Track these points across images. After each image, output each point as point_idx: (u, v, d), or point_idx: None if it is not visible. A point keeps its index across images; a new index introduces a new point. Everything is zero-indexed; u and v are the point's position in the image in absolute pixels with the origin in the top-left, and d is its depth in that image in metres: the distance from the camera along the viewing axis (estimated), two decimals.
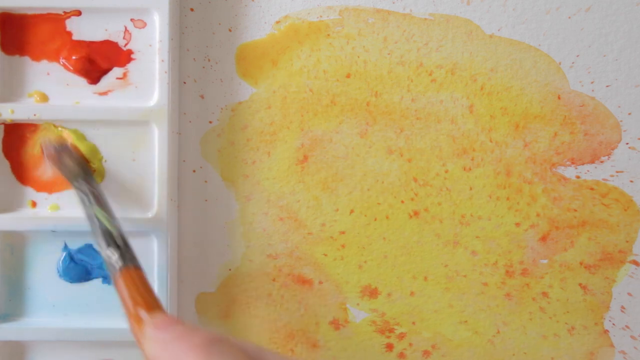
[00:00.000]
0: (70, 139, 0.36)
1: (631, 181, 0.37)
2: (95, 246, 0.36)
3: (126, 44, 0.36)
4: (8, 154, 0.37)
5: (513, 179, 0.37)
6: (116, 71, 0.36)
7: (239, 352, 0.24)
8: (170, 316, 0.27)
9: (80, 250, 0.37)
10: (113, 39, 0.36)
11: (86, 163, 0.36)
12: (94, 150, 0.36)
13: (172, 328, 0.26)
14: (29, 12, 0.36)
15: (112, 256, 0.30)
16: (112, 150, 0.36)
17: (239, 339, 0.26)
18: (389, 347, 0.39)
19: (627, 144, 0.37)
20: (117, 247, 0.30)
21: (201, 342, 0.24)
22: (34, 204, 0.37)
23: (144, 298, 0.28)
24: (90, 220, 0.32)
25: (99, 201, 0.32)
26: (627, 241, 0.37)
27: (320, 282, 0.38)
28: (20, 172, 0.37)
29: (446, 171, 0.37)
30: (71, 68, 0.36)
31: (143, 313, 0.27)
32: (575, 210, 0.37)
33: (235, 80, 0.37)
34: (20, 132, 0.36)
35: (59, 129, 0.36)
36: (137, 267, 0.30)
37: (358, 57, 0.37)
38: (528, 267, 0.38)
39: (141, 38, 0.36)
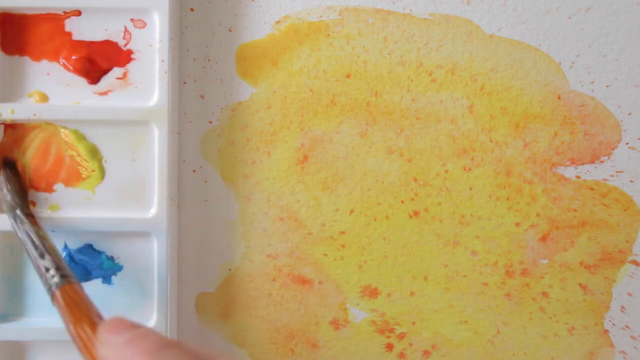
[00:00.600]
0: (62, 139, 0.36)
1: (631, 181, 0.37)
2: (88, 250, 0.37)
3: (126, 44, 0.36)
4: (8, 154, 0.37)
5: (513, 179, 0.37)
6: (116, 71, 0.36)
7: (189, 357, 0.24)
8: (126, 320, 0.28)
9: (80, 250, 0.37)
10: (113, 39, 0.36)
11: (23, 188, 0.36)
12: (94, 150, 0.36)
13: (124, 332, 0.26)
14: (29, 12, 0.36)
15: (51, 276, 0.31)
16: (112, 150, 0.36)
17: (192, 344, 0.26)
18: (389, 347, 0.39)
19: (627, 144, 0.37)
20: (56, 267, 0.31)
21: (151, 347, 0.24)
22: (33, 204, 0.37)
23: (87, 312, 0.29)
24: (26, 247, 0.33)
25: (34, 226, 0.34)
26: (627, 241, 0.37)
27: (320, 282, 0.38)
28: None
29: (446, 171, 0.37)
30: (71, 68, 0.36)
31: (96, 319, 0.29)
32: (575, 210, 0.37)
33: (235, 80, 0.37)
34: (20, 133, 0.36)
35: (60, 130, 0.36)
36: (77, 283, 0.31)
37: (358, 57, 0.37)
38: (528, 267, 0.38)
39: (141, 38, 0.36)
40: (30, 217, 0.34)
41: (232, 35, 0.37)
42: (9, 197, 0.35)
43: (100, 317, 0.29)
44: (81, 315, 0.29)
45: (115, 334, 0.26)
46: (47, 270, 0.31)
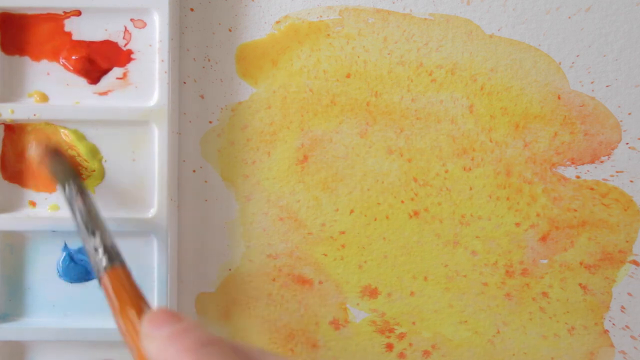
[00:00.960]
0: (61, 140, 0.36)
1: (631, 181, 0.37)
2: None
3: (126, 44, 0.36)
4: (8, 154, 0.37)
5: (513, 179, 0.37)
6: (116, 71, 0.36)
7: (230, 355, 0.24)
8: (169, 312, 0.27)
9: (80, 250, 0.37)
10: (113, 39, 0.36)
11: (74, 164, 0.35)
12: (94, 150, 0.36)
13: (167, 325, 0.25)
14: (29, 12, 0.36)
15: (99, 256, 0.30)
16: (112, 150, 0.36)
17: (234, 340, 0.25)
18: (389, 347, 0.39)
19: (627, 144, 0.37)
20: (104, 247, 0.30)
21: (193, 344, 0.24)
22: (33, 204, 0.37)
23: (133, 298, 0.28)
24: (76, 223, 0.32)
25: (86, 203, 0.32)
26: (627, 241, 0.37)
27: (320, 282, 0.38)
28: (20, 173, 0.37)
29: (446, 171, 0.37)
30: (71, 68, 0.36)
31: (143, 307, 0.28)
32: (575, 210, 0.37)
33: (235, 80, 0.37)
34: (21, 132, 0.36)
35: (60, 130, 0.36)
36: (124, 266, 0.30)
37: (358, 57, 0.37)
38: (528, 267, 0.38)
39: (141, 38, 0.36)
40: (83, 193, 0.33)
41: (232, 35, 0.37)
42: (62, 168, 0.34)
43: (147, 305, 0.28)
44: (127, 302, 0.28)
45: (158, 327, 0.25)
46: (96, 250, 0.30)
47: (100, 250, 0.30)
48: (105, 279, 0.29)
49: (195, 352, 0.24)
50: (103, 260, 0.29)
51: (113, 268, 0.29)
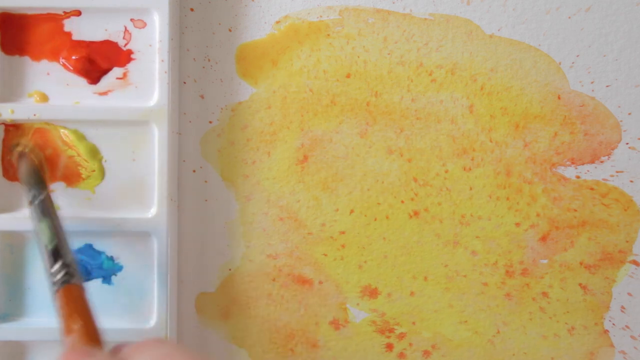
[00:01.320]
0: (39, 142, 0.36)
1: (631, 181, 0.37)
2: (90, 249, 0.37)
3: (126, 44, 0.36)
4: (8, 154, 0.37)
5: (513, 179, 0.37)
6: (116, 71, 0.36)
7: None
8: (84, 347, 0.27)
9: (80, 250, 0.37)
10: (113, 39, 0.36)
11: (41, 172, 0.35)
12: (94, 150, 0.36)
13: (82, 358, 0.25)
14: (29, 12, 0.36)
15: (54, 272, 0.29)
16: (112, 150, 0.36)
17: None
18: (389, 347, 0.39)
19: (627, 144, 0.37)
20: (63, 263, 0.30)
21: None
22: None
23: (78, 319, 0.28)
24: (37, 235, 0.32)
25: (49, 213, 0.32)
26: (627, 241, 0.37)
27: (320, 282, 0.38)
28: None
29: (446, 171, 0.37)
30: (71, 68, 0.36)
31: (91, 329, 0.27)
32: (575, 210, 0.37)
33: (235, 80, 0.37)
34: (21, 132, 0.36)
35: (60, 130, 0.36)
36: (79, 285, 0.29)
37: (358, 57, 0.37)
38: (528, 267, 0.38)
39: (141, 38, 0.36)
40: (48, 204, 0.33)
41: (232, 35, 0.37)
42: (29, 175, 0.34)
43: (96, 329, 0.28)
44: (75, 321, 0.28)
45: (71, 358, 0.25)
46: (55, 265, 0.30)
47: (58, 266, 0.30)
48: (59, 296, 0.29)
49: None
50: (61, 277, 0.29)
51: (69, 285, 0.29)
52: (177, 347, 0.26)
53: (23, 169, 0.34)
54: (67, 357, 0.25)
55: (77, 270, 0.30)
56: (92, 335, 0.27)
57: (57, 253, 0.30)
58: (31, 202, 0.33)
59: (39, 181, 0.34)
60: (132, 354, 0.25)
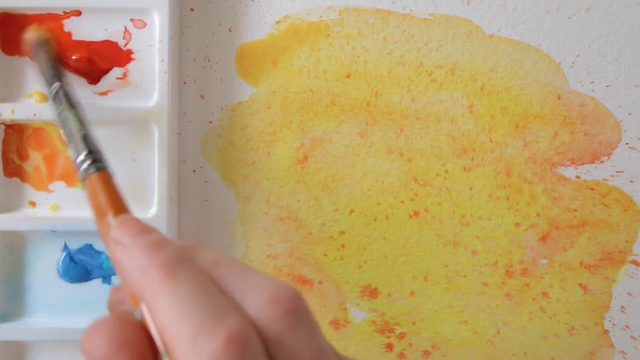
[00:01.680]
0: (52, 32, 0.35)
1: (631, 181, 0.37)
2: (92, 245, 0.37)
3: (126, 44, 0.36)
4: (8, 154, 0.37)
5: (513, 179, 0.37)
6: (116, 71, 0.36)
7: (201, 276, 0.22)
8: (141, 221, 0.25)
9: (80, 250, 0.37)
10: (113, 39, 0.36)
11: (60, 62, 0.34)
12: None
13: (142, 234, 0.24)
14: (29, 12, 0.36)
15: (84, 159, 0.28)
16: (112, 150, 0.36)
17: (206, 252, 0.23)
18: (389, 347, 0.39)
19: (627, 144, 0.37)
20: (89, 150, 0.29)
21: (168, 259, 0.22)
22: (33, 204, 0.37)
23: (116, 203, 0.26)
24: (62, 123, 0.31)
25: (70, 102, 0.31)
26: (627, 241, 0.37)
27: (320, 282, 0.38)
28: (20, 172, 0.37)
29: (446, 171, 0.37)
30: (71, 68, 0.36)
31: (112, 216, 0.26)
32: (575, 210, 0.37)
33: (235, 80, 0.37)
34: (21, 132, 0.36)
35: (60, 130, 0.36)
36: (107, 171, 0.28)
37: (358, 57, 0.37)
38: (528, 267, 0.38)
39: (141, 38, 0.36)
40: (70, 93, 0.32)
41: (232, 35, 0.37)
42: (45, 74, 0.33)
43: (129, 213, 0.26)
44: (107, 206, 0.26)
45: (130, 234, 0.24)
46: (79, 153, 0.29)
47: (84, 155, 0.29)
48: (88, 183, 0.28)
49: (169, 268, 0.22)
50: (90, 164, 0.28)
51: (99, 172, 0.28)
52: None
53: (42, 59, 0.33)
54: (125, 230, 0.24)
55: (103, 156, 0.29)
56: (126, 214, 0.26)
57: (85, 141, 0.29)
58: (54, 93, 0.32)
59: (60, 71, 0.33)
60: (193, 247, 0.24)
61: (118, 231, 0.24)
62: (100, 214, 0.26)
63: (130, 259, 0.23)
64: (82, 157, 0.29)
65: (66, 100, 0.31)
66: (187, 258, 0.23)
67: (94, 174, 0.28)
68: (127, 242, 0.23)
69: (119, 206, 0.26)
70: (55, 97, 0.32)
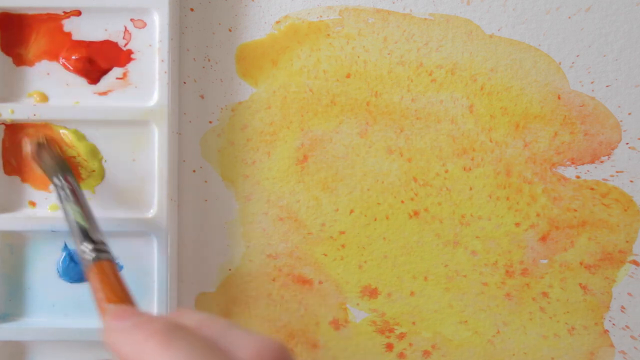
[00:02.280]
0: (56, 137, 0.36)
1: (631, 181, 0.37)
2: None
3: (126, 44, 0.36)
4: (8, 154, 0.37)
5: (513, 179, 0.37)
6: (116, 71, 0.36)
7: (198, 339, 0.24)
8: (129, 307, 0.27)
9: None
10: (113, 39, 0.36)
11: (65, 159, 0.35)
12: (94, 150, 0.36)
13: (131, 317, 0.25)
14: (29, 12, 0.36)
15: (85, 250, 0.30)
16: (112, 150, 0.36)
17: (200, 317, 0.25)
18: (389, 347, 0.39)
19: (627, 144, 0.37)
20: (91, 241, 0.30)
21: (161, 328, 0.24)
22: (33, 204, 0.37)
23: (114, 292, 0.28)
24: (66, 217, 0.32)
25: (76, 197, 0.33)
26: (627, 241, 0.37)
27: (320, 282, 0.38)
28: (20, 172, 0.37)
29: (446, 171, 0.37)
30: (71, 68, 0.36)
31: (109, 306, 0.28)
32: (575, 210, 0.37)
33: (235, 80, 0.37)
34: (20, 132, 0.36)
35: (60, 130, 0.36)
36: (110, 261, 0.30)
37: (358, 57, 0.37)
38: (528, 267, 0.38)
39: (141, 38, 0.36)
40: (73, 187, 0.33)
41: (232, 35, 0.37)
42: (52, 162, 0.34)
43: (132, 302, 0.28)
44: (110, 297, 0.28)
45: (121, 319, 0.25)
46: (84, 243, 0.30)
47: (89, 244, 0.30)
48: (91, 272, 0.29)
49: (166, 334, 0.23)
50: (91, 254, 0.30)
51: (100, 261, 0.30)
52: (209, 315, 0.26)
53: (46, 157, 0.34)
54: (115, 317, 0.26)
55: (107, 247, 0.31)
56: (127, 304, 0.28)
57: (87, 233, 0.31)
58: (59, 188, 0.33)
59: (65, 166, 0.35)
60: (178, 315, 0.25)
61: (112, 318, 0.26)
62: (99, 303, 0.28)
63: (125, 338, 0.24)
64: (84, 248, 0.30)
65: (70, 195, 0.33)
66: (181, 325, 0.24)
67: (99, 263, 0.29)
68: (120, 326, 0.25)
69: (117, 295, 0.28)
70: (59, 192, 0.33)
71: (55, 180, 0.33)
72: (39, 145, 0.35)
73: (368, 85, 0.37)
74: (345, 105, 0.37)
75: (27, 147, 0.35)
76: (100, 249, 0.30)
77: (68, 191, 0.33)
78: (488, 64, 0.37)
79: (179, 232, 0.38)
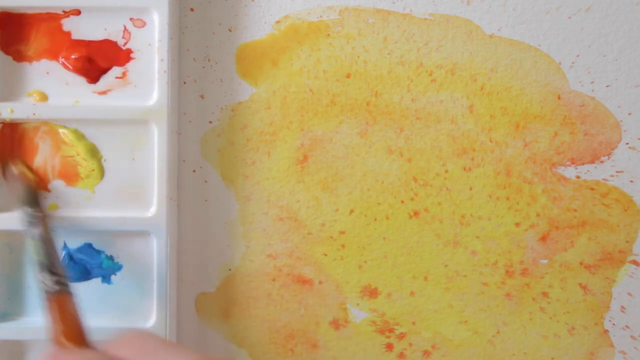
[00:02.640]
0: (24, 162, 0.36)
1: (631, 181, 0.37)
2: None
3: (125, 43, 0.36)
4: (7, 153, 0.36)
5: (513, 179, 0.37)
6: (115, 70, 0.36)
7: None
8: (71, 349, 0.28)
9: (79, 250, 0.37)
10: (112, 38, 0.36)
11: (35, 190, 0.36)
12: (94, 149, 0.36)
13: (78, 355, 0.27)
14: (29, 12, 0.36)
15: (44, 281, 0.31)
16: (111, 150, 0.36)
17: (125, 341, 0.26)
18: (389, 347, 0.39)
19: (627, 144, 0.37)
20: (52, 273, 0.31)
21: None
22: None
23: (70, 327, 0.29)
24: (30, 246, 0.33)
25: (42, 230, 0.33)
26: (627, 241, 0.37)
27: (320, 282, 0.38)
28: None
29: (446, 171, 0.37)
30: (70, 67, 0.36)
31: (81, 339, 0.29)
32: (575, 210, 0.37)
33: (235, 80, 0.37)
34: (20, 132, 0.36)
35: (59, 129, 0.36)
36: (70, 295, 0.31)
37: (358, 57, 0.37)
38: (528, 267, 0.38)
39: (140, 37, 0.36)
40: (40, 217, 0.34)
41: (232, 35, 0.37)
42: (17, 194, 0.35)
43: (86, 338, 0.29)
44: (64, 330, 0.29)
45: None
46: (48, 275, 0.31)
47: (49, 275, 0.31)
48: (51, 303, 0.30)
49: None
50: (52, 286, 0.31)
51: (61, 294, 0.31)
52: (155, 337, 0.26)
53: (17, 188, 0.35)
54: (52, 357, 0.27)
55: (66, 280, 0.31)
56: (78, 338, 0.29)
57: (49, 267, 0.32)
58: (26, 220, 0.34)
59: (34, 201, 0.35)
60: (112, 346, 0.26)
61: (48, 357, 0.27)
62: (54, 334, 0.29)
63: None
64: (43, 278, 0.31)
65: (36, 229, 0.33)
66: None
67: (56, 296, 0.30)
68: None
69: (73, 330, 0.29)
70: (24, 224, 0.34)
71: (22, 212, 0.34)
72: (11, 174, 0.35)
73: (368, 85, 0.37)
74: (345, 105, 0.37)
75: (6, 171, 0.36)
76: (60, 281, 0.31)
77: (32, 226, 0.33)
78: (488, 64, 0.37)
79: (179, 232, 0.38)
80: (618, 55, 0.36)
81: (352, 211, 0.38)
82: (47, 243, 0.33)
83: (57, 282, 0.31)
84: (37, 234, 0.33)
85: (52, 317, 0.30)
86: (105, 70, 0.36)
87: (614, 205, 0.37)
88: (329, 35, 0.37)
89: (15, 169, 0.36)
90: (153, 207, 0.36)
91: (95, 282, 0.37)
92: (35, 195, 0.35)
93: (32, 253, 0.32)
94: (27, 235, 0.33)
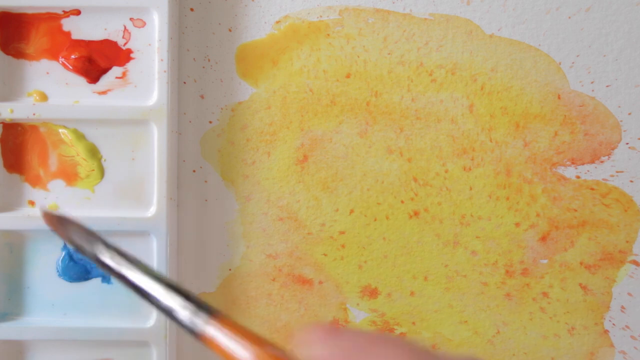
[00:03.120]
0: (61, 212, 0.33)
1: (631, 181, 0.37)
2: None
3: (125, 43, 0.36)
4: (7, 153, 0.36)
5: (513, 178, 0.37)
6: (115, 70, 0.36)
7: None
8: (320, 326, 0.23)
9: None
10: (112, 38, 0.36)
11: (86, 228, 0.30)
12: (94, 149, 0.36)
13: (342, 335, 0.21)
14: (29, 12, 0.36)
15: (189, 313, 0.24)
16: (111, 150, 0.36)
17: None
18: None
19: (627, 144, 0.37)
20: (186, 297, 0.25)
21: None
22: (32, 203, 0.37)
23: (248, 336, 0.23)
24: (129, 281, 0.27)
25: (126, 257, 0.28)
26: (627, 241, 0.37)
27: (320, 282, 0.38)
28: (20, 171, 0.37)
29: (446, 171, 0.37)
30: (70, 67, 0.36)
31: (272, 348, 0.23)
32: (575, 210, 0.37)
33: (235, 80, 0.37)
34: (20, 132, 0.36)
35: (59, 129, 0.36)
36: (217, 311, 0.24)
37: (358, 57, 0.37)
38: (528, 267, 0.38)
39: (140, 37, 0.36)
40: (118, 250, 0.28)
41: (232, 35, 0.37)
42: (82, 244, 0.29)
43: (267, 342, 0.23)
44: (258, 342, 0.23)
45: (324, 340, 0.21)
46: (181, 306, 0.24)
47: (188, 304, 0.24)
48: (214, 331, 0.23)
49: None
50: (198, 314, 0.24)
51: (215, 316, 0.24)
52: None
53: (71, 232, 0.29)
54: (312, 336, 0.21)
55: (200, 299, 0.25)
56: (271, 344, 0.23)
57: (174, 289, 0.25)
58: (102, 258, 0.28)
59: (92, 235, 0.29)
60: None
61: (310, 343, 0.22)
62: (259, 353, 0.23)
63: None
64: (188, 307, 0.24)
65: (123, 258, 0.28)
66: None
67: (217, 318, 0.24)
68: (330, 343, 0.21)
69: (260, 339, 0.23)
70: (107, 259, 0.28)
71: (95, 251, 0.28)
72: (60, 221, 0.30)
73: (368, 85, 0.37)
74: (345, 105, 0.37)
75: (49, 219, 0.31)
76: (201, 304, 0.24)
77: (114, 256, 0.27)
78: (488, 63, 0.37)
79: (178, 232, 0.38)
80: (618, 55, 0.36)
81: (352, 211, 0.38)
82: (144, 265, 0.27)
83: (203, 305, 0.24)
84: (129, 262, 0.27)
85: (233, 339, 0.23)
86: (105, 70, 0.36)
87: (614, 205, 0.37)
88: (329, 35, 0.37)
89: (61, 215, 0.31)
90: (153, 207, 0.36)
91: (95, 282, 0.37)
92: (86, 229, 0.30)
93: (141, 282, 0.26)
94: (114, 270, 0.27)
